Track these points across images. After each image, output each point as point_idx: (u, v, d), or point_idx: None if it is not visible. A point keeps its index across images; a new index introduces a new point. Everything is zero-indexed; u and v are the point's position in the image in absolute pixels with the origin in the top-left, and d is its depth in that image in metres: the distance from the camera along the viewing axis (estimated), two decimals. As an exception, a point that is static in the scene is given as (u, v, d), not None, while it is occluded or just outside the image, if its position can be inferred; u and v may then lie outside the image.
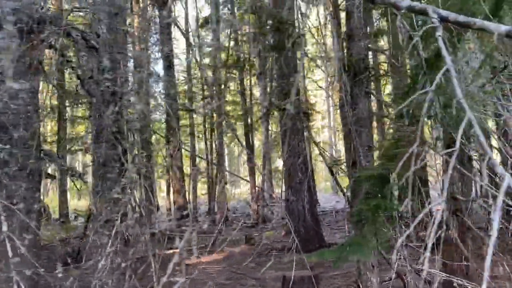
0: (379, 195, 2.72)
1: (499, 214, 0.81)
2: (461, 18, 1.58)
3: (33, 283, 2.55)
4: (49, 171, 3.44)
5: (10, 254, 2.25)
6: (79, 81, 2.61)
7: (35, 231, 2.61)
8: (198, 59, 14.28)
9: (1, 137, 2.47)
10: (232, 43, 12.39)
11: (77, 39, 2.41)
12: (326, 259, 3.00)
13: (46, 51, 3.86)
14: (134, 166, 2.65)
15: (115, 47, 3.03)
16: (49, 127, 15.44)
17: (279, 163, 20.99)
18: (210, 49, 13.82)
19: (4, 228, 2.25)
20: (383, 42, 11.51)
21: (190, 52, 13.60)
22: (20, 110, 2.48)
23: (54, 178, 2.85)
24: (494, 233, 0.88)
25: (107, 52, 2.49)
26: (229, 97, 14.10)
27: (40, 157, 2.62)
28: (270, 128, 11.82)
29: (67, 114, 12.65)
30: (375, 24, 9.83)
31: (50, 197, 17.69)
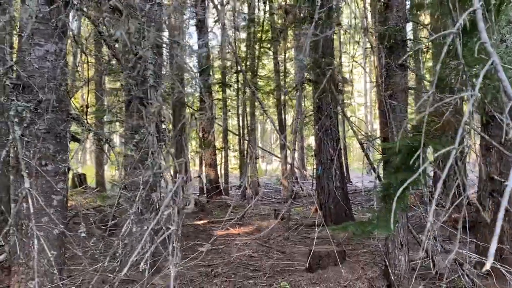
0: (408, 169, 2.61)
1: None
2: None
3: (60, 243, 2.64)
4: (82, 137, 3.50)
5: (31, 210, 2.33)
6: (105, 44, 2.61)
7: (63, 192, 2.68)
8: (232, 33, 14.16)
9: (29, 99, 2.52)
10: (267, 15, 12.19)
11: (101, 0, 2.39)
12: (352, 231, 2.93)
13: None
14: (157, 132, 2.66)
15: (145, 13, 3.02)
16: (89, 99, 15.88)
17: (311, 141, 20.84)
18: (244, 23, 13.65)
19: (27, 184, 2.32)
20: (423, 17, 10.99)
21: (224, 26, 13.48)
22: (48, 73, 2.52)
23: (79, 141, 2.90)
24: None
25: (134, 17, 2.47)
26: (262, 72, 13.98)
27: (67, 120, 2.67)
28: (303, 103, 11.66)
29: (105, 86, 12.96)
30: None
31: (88, 166, 18.38)
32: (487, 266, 0.70)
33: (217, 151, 14.22)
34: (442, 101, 1.50)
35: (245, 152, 13.66)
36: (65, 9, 2.41)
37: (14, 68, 2.53)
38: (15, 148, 2.61)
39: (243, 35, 14.84)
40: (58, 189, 2.60)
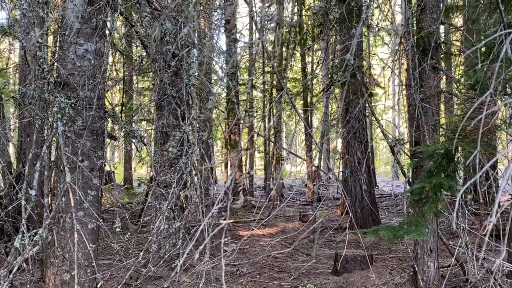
0: (443, 173, 2.56)
1: None
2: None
3: (94, 237, 2.71)
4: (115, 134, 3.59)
5: (72, 203, 2.40)
6: (141, 44, 2.66)
7: (99, 187, 2.75)
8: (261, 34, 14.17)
9: (69, 96, 2.60)
10: (295, 17, 12.15)
11: (141, 1, 2.45)
12: (383, 235, 2.89)
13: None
14: (192, 129, 2.70)
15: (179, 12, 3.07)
16: (116, 98, 16.25)
17: (337, 143, 20.65)
18: (273, 24, 13.64)
19: (68, 178, 2.39)
20: (457, 20, 10.77)
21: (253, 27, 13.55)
22: (87, 71, 2.60)
23: (116, 139, 2.97)
24: None
25: (171, 15, 2.51)
26: (289, 74, 13.96)
27: (104, 117, 2.74)
28: (330, 106, 11.59)
29: (133, 86, 13.22)
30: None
31: (116, 163, 18.75)
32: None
33: (242, 152, 14.27)
34: (496, 105, 1.47)
35: (271, 153, 13.68)
36: (105, 10, 2.48)
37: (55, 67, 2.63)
38: (53, 144, 2.70)
39: (270, 36, 14.83)
40: (96, 185, 2.67)
